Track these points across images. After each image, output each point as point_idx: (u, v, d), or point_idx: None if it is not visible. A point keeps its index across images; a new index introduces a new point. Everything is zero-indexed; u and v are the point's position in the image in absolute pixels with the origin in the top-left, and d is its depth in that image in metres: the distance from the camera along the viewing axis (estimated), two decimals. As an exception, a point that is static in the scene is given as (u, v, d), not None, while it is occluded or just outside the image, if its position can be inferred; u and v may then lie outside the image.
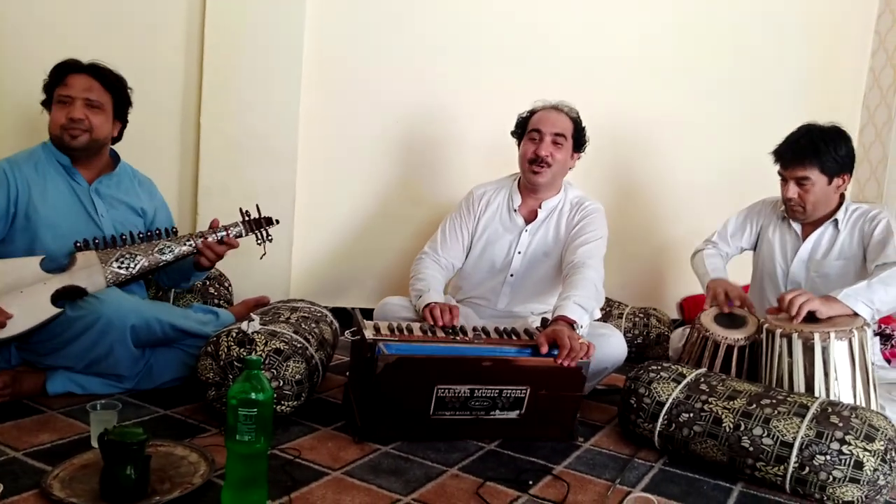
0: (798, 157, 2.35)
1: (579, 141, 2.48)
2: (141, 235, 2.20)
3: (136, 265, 2.14)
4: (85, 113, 2.16)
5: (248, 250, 2.40)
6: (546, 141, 2.40)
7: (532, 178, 2.44)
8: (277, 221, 2.42)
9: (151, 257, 2.17)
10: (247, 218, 2.35)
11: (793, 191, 2.38)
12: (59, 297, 2.01)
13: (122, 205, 2.31)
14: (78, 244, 2.10)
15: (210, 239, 2.25)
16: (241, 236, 2.33)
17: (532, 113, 2.50)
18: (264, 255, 2.35)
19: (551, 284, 2.49)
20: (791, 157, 2.37)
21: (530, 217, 2.50)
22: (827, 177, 2.35)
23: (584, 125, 2.50)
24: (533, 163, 2.41)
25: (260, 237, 2.36)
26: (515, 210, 2.51)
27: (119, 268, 2.11)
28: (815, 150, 2.33)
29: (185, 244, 2.23)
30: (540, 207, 2.49)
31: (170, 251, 2.20)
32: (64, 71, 2.18)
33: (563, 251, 2.42)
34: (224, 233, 2.28)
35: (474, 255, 2.54)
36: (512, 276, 2.49)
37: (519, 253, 2.48)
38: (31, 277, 2.01)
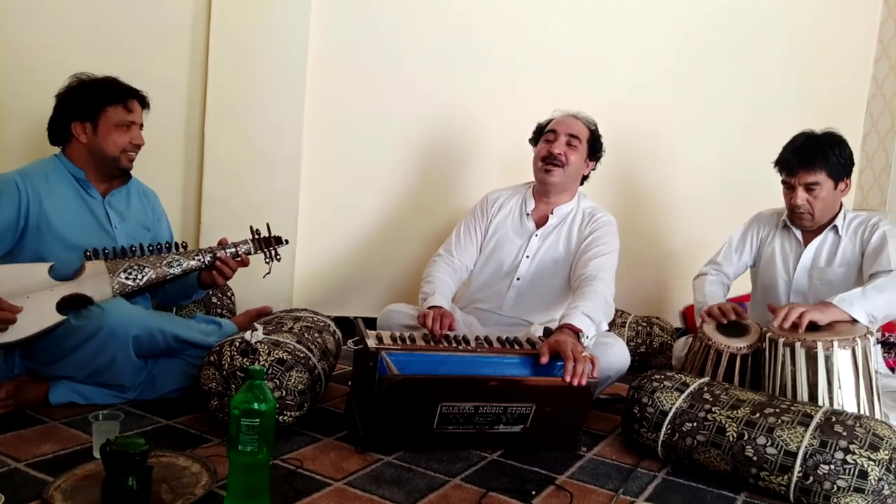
0: (807, 162, 2.35)
1: (594, 149, 2.51)
2: (150, 248, 2.20)
3: (143, 277, 2.14)
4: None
5: (251, 261, 2.39)
6: (560, 140, 2.43)
7: (544, 177, 2.45)
8: (287, 241, 2.43)
9: (159, 270, 2.17)
10: (256, 236, 2.37)
11: (801, 197, 2.38)
12: (64, 305, 2.01)
13: (133, 218, 2.32)
14: (88, 253, 2.10)
15: (220, 254, 2.25)
16: (250, 254, 2.34)
17: (550, 120, 2.55)
18: (268, 273, 2.36)
19: (559, 295, 2.49)
20: (799, 162, 2.36)
21: (542, 222, 2.51)
22: (833, 181, 2.37)
23: (600, 136, 2.54)
24: (546, 160, 2.44)
25: (268, 256, 2.37)
26: (528, 214, 2.52)
27: (126, 279, 2.12)
28: (824, 155, 2.34)
29: (193, 258, 2.23)
30: (552, 213, 2.50)
31: (178, 265, 2.20)
32: (125, 94, 2.20)
33: (574, 262, 2.43)
34: (234, 249, 2.30)
35: (483, 256, 2.56)
36: (518, 279, 2.49)
37: (527, 257, 2.48)
38: (39, 283, 2.01)
